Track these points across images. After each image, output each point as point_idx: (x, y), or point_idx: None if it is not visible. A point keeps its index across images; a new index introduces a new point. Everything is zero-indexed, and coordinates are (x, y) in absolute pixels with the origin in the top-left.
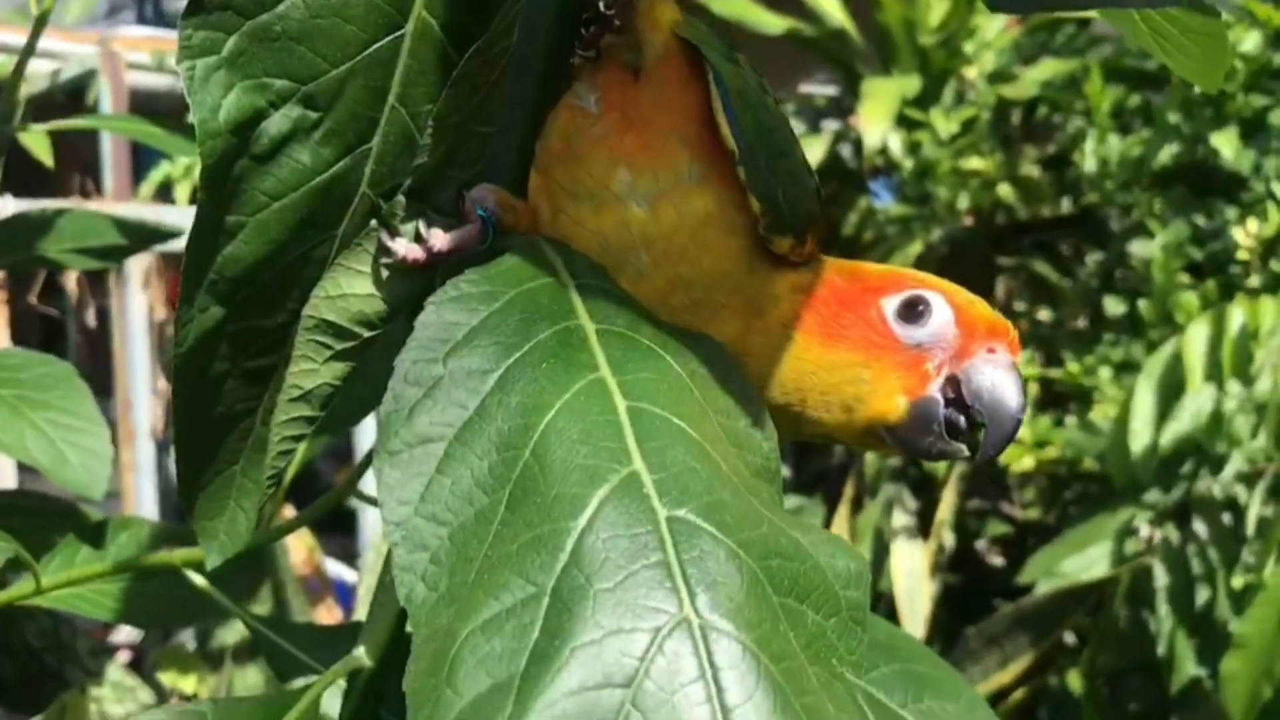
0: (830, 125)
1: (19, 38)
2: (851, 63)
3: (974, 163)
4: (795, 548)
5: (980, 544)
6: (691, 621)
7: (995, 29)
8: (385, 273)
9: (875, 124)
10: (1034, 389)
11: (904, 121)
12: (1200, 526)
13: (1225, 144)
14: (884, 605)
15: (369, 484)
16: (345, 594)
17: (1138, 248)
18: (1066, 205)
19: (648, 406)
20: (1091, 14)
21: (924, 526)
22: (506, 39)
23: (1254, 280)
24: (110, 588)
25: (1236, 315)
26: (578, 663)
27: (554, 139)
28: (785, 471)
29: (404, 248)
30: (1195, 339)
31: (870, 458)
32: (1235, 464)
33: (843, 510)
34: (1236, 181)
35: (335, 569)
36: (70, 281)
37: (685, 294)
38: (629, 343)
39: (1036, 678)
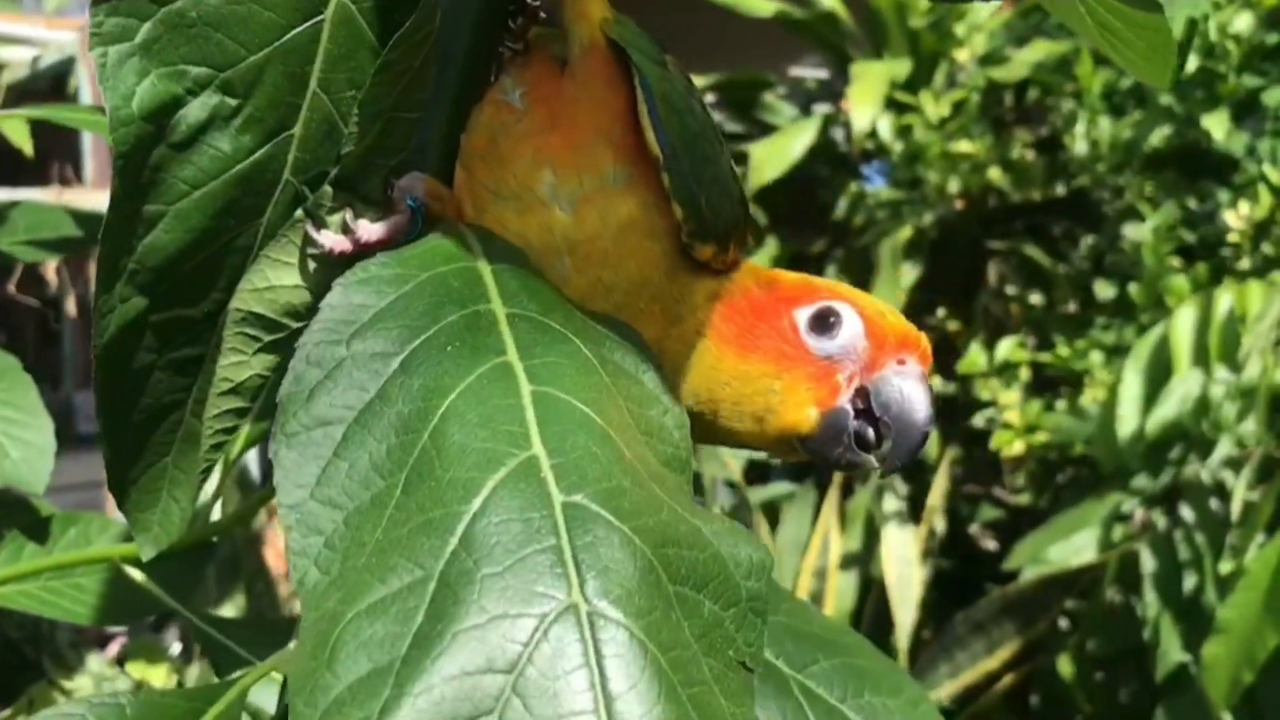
0: (822, 108)
1: (3, 25)
2: (842, 45)
3: (964, 146)
4: (695, 536)
5: (973, 528)
6: (579, 608)
7: (986, 11)
8: (312, 264)
9: (864, 107)
10: (1025, 373)
11: (894, 105)
12: (1188, 512)
13: (1217, 126)
14: (875, 590)
15: None
16: None
17: (1129, 231)
18: (1058, 189)
19: (553, 391)
20: None
21: (915, 512)
22: (429, 24)
23: (1245, 263)
24: (54, 584)
25: (1224, 299)
26: (460, 647)
27: (478, 135)
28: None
29: (330, 239)
30: (1182, 323)
31: None
32: (1223, 449)
33: (833, 496)
34: (1228, 163)
35: None
36: (49, 271)
37: (606, 299)
38: (540, 327)
39: (1024, 664)
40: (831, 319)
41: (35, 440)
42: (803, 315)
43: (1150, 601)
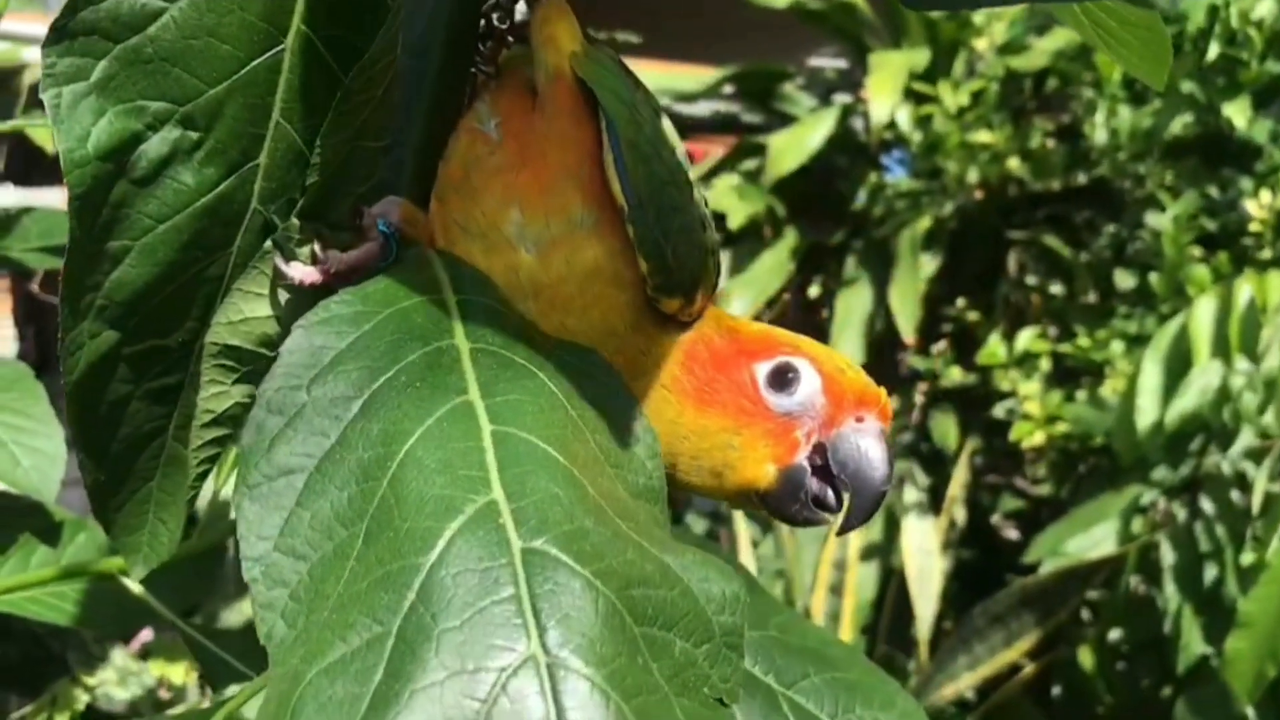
0: (841, 98)
1: (30, 26)
2: (860, 35)
3: (983, 136)
4: (663, 574)
5: (994, 519)
6: (539, 659)
7: None
8: (284, 295)
9: (883, 98)
10: (1045, 364)
11: (913, 95)
12: (1208, 503)
13: (1239, 113)
14: (895, 581)
15: None
16: None
17: (1150, 220)
18: (1078, 178)
19: (514, 431)
20: None
21: (935, 503)
22: (390, 54)
23: (1267, 253)
24: (61, 590)
25: (1245, 289)
26: (418, 706)
27: (454, 164)
28: None
29: (300, 271)
30: (1203, 313)
31: None
32: (1244, 440)
33: None
34: (1250, 151)
35: None
36: None
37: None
38: (504, 363)
39: (1043, 656)
40: (790, 375)
41: (45, 448)
42: (762, 370)
43: (1171, 594)
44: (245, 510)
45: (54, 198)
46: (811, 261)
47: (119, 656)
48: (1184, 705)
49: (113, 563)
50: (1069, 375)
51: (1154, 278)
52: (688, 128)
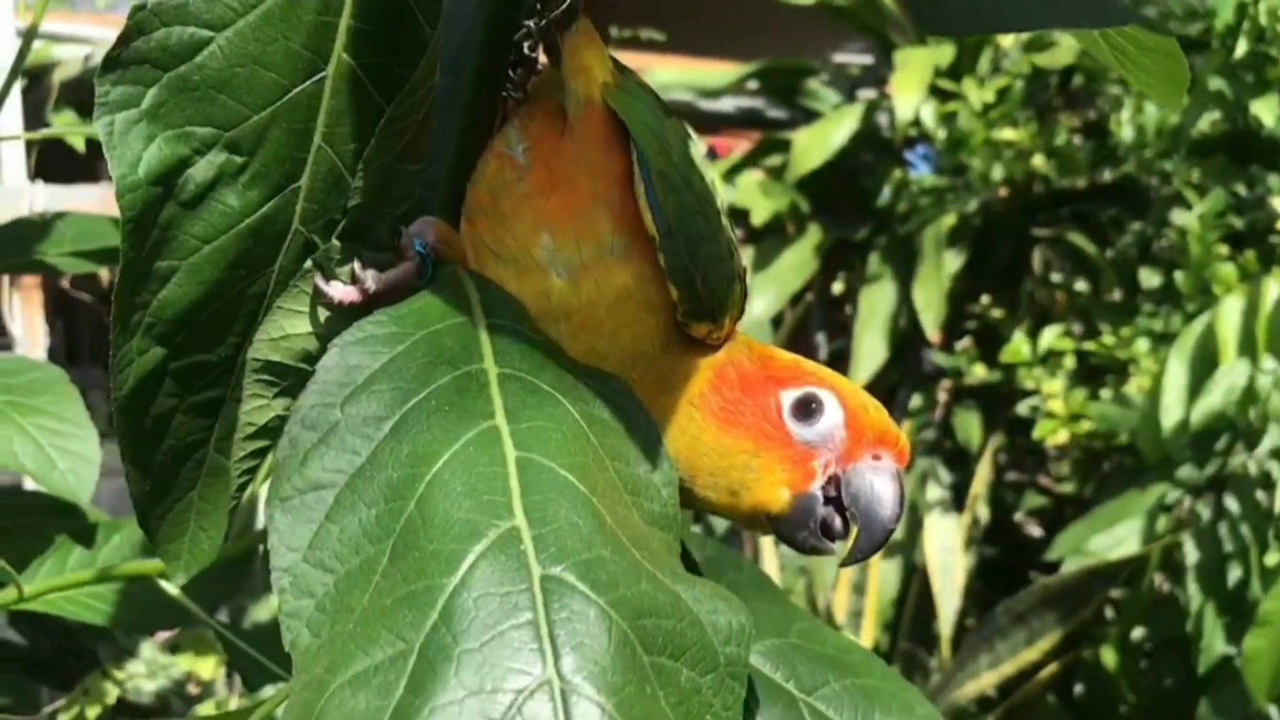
0: (866, 94)
1: (59, 25)
2: (885, 31)
3: (1008, 133)
4: (674, 605)
5: (1018, 516)
6: (553, 684)
7: None
8: (323, 313)
9: (908, 94)
10: (1069, 362)
11: (938, 92)
12: (1233, 503)
13: (1267, 111)
14: (918, 579)
15: None
16: None
17: (1176, 217)
18: (1104, 175)
19: (537, 457)
20: None
21: (959, 500)
22: (430, 80)
23: None
24: (97, 591)
25: (1272, 288)
26: None
27: (482, 189)
28: None
29: (339, 291)
30: (1229, 312)
31: (905, 431)
32: (1270, 440)
33: None
34: (1278, 149)
35: None
36: (103, 269)
37: (599, 366)
38: (529, 388)
39: (1065, 654)
40: (814, 405)
41: (81, 451)
42: (788, 398)
43: (1194, 593)
44: (277, 521)
45: (85, 196)
46: (835, 258)
47: (147, 650)
48: (1206, 705)
49: (150, 564)
50: (1094, 373)
51: (1180, 276)
52: (712, 123)
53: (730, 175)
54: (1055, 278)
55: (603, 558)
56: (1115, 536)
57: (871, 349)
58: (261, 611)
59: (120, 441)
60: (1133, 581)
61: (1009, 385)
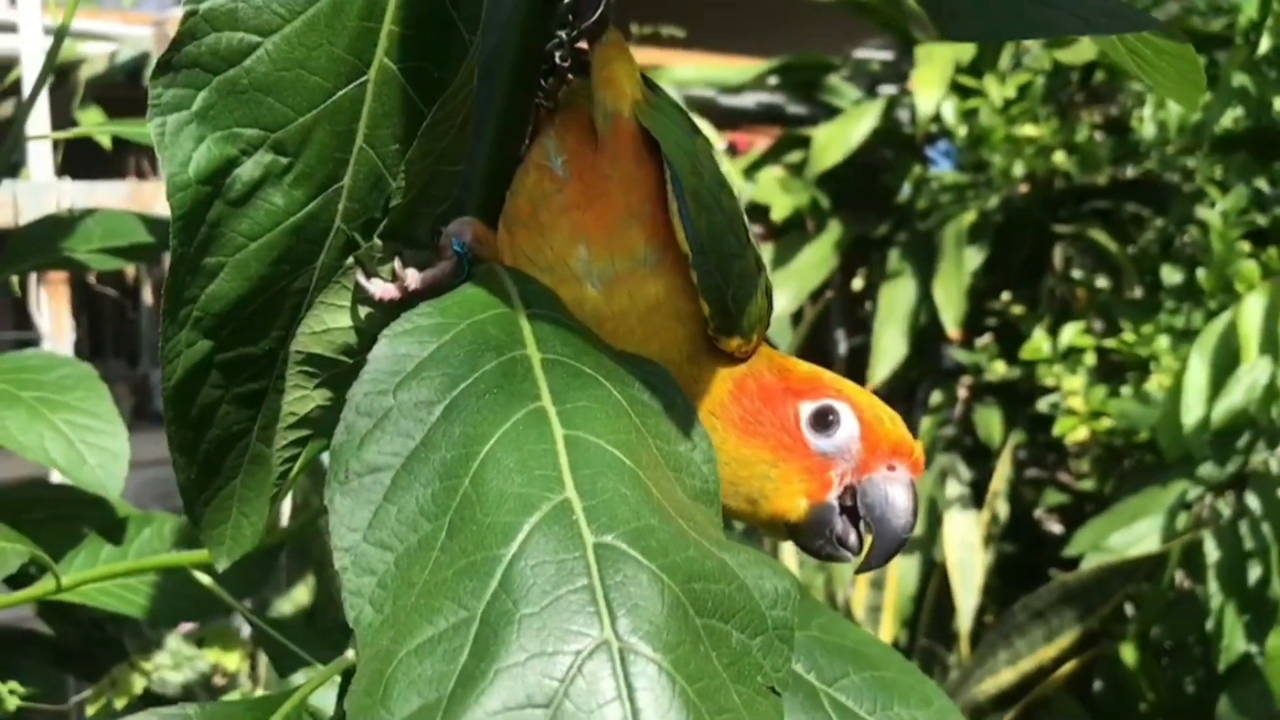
0: (887, 90)
1: (84, 22)
2: (906, 27)
3: (1029, 130)
4: (721, 570)
5: (1038, 513)
6: (611, 644)
7: None
8: (363, 309)
9: (929, 91)
10: (1090, 359)
11: (958, 88)
12: (1254, 501)
13: None
14: (937, 575)
15: None
16: None
17: (1198, 214)
18: (1126, 171)
19: (584, 435)
20: None
21: (978, 497)
22: (469, 84)
23: None
24: (131, 583)
25: None
26: (501, 684)
27: (522, 200)
28: None
29: (379, 288)
30: (1251, 310)
31: (925, 427)
32: None
33: None
34: None
35: None
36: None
37: None
38: (572, 371)
39: (1084, 652)
40: (831, 417)
41: (111, 446)
42: (806, 409)
43: (1214, 591)
44: (336, 504)
45: (112, 191)
46: (855, 255)
47: (173, 642)
48: (1227, 703)
49: (184, 556)
50: (1114, 370)
51: (1202, 273)
52: (732, 119)
53: (750, 171)
54: (1076, 274)
55: (652, 526)
56: (1135, 534)
57: (891, 345)
58: (285, 605)
59: (168, 429)
60: (1152, 579)
61: (1029, 382)
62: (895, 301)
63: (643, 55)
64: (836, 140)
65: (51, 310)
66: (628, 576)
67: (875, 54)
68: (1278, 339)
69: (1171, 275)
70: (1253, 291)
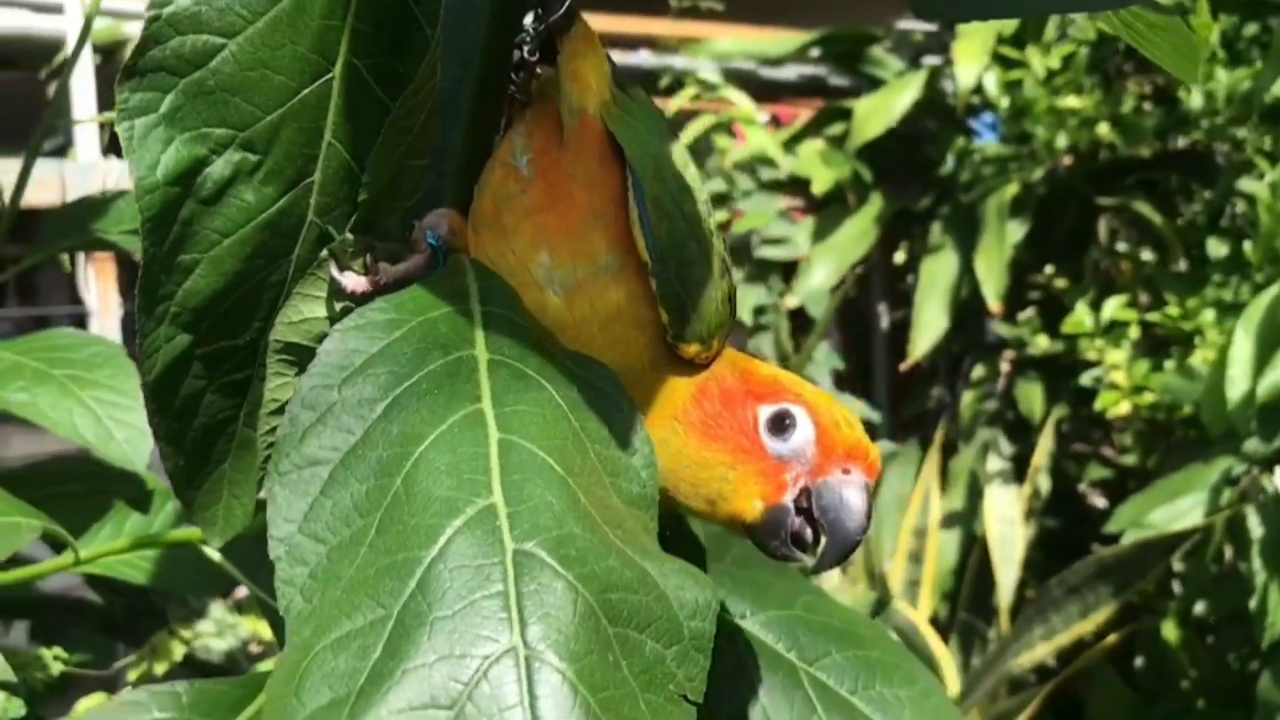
0: (930, 61)
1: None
2: None
3: (1072, 101)
4: (641, 580)
5: (1082, 487)
6: (519, 651)
7: None
8: (338, 301)
9: (971, 62)
10: (1133, 332)
11: (1001, 59)
12: None
13: None
14: (977, 549)
15: None
16: None
17: (1245, 186)
18: (1172, 142)
19: (518, 439)
20: None
21: (1020, 471)
22: (430, 81)
23: None
24: (146, 555)
25: None
26: (408, 684)
27: (487, 200)
28: (878, 417)
29: (352, 281)
30: None
31: (966, 402)
32: None
33: (934, 456)
34: None
35: None
36: None
37: None
38: (517, 374)
39: (1120, 627)
40: (787, 421)
41: (137, 422)
42: (764, 413)
43: (1257, 567)
44: (275, 494)
45: None
46: (897, 228)
47: (217, 610)
48: (1269, 679)
49: (195, 532)
50: (1158, 345)
51: (1248, 246)
52: (774, 91)
53: (791, 144)
54: (1121, 247)
55: (574, 534)
56: (1178, 509)
57: (933, 319)
58: None
59: (151, 421)
60: (1194, 555)
61: (1072, 356)
62: (937, 275)
63: (682, 28)
64: (878, 112)
65: (99, 287)
66: (542, 584)
67: (918, 25)
68: None
69: (1218, 248)
70: None
